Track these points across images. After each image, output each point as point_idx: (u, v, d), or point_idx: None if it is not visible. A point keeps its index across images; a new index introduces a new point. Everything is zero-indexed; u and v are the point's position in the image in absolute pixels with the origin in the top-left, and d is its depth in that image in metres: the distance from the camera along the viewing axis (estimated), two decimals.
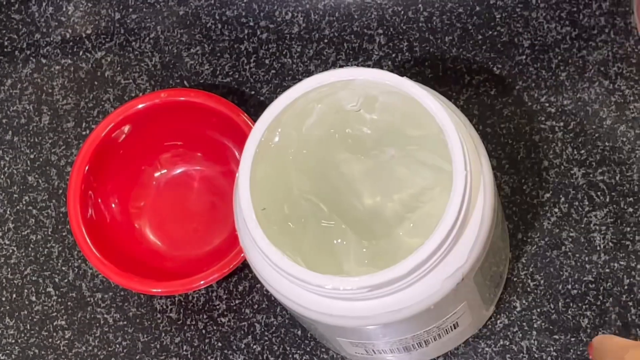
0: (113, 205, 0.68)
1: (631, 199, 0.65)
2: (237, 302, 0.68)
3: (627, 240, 0.65)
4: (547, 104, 0.67)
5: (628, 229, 0.65)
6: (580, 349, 0.63)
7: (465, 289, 0.53)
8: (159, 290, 0.64)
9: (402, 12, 0.70)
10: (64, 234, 0.70)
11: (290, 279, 0.49)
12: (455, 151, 0.49)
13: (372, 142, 0.55)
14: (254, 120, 0.59)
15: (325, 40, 0.70)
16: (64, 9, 0.73)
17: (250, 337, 0.67)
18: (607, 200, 0.66)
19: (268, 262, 0.49)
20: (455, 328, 0.59)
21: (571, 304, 0.64)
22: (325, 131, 0.54)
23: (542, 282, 0.65)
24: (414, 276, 0.48)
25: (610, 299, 0.64)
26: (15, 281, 0.70)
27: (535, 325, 0.64)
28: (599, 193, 0.66)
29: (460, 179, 0.48)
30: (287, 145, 0.54)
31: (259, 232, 0.49)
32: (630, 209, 0.65)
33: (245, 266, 0.66)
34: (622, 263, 0.65)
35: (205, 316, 0.68)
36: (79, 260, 0.69)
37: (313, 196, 0.54)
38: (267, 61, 0.71)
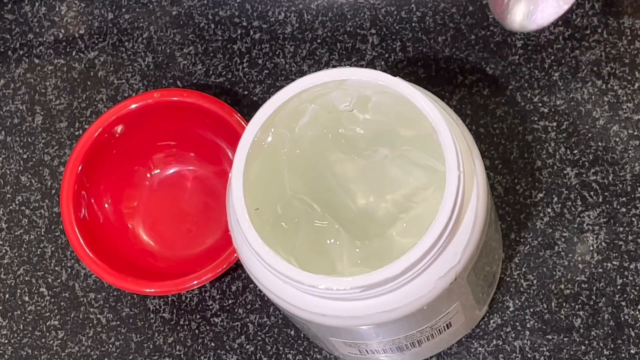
0: (106, 206, 0.67)
1: (624, 199, 0.65)
2: (230, 302, 0.67)
3: (620, 240, 0.65)
4: (540, 104, 0.67)
5: (621, 229, 0.65)
6: (574, 349, 0.63)
7: (459, 289, 0.53)
8: (152, 290, 0.64)
9: (395, 12, 0.70)
10: (57, 234, 0.70)
11: (283, 279, 0.49)
12: (448, 151, 0.49)
13: (365, 142, 0.55)
14: (247, 120, 0.59)
15: (319, 40, 0.70)
16: (57, 9, 0.73)
17: (243, 337, 0.67)
18: (600, 200, 0.65)
19: (261, 262, 0.49)
20: (448, 328, 0.59)
21: (564, 304, 0.64)
22: (318, 131, 0.54)
23: (535, 282, 0.65)
24: (407, 276, 0.48)
25: (603, 298, 0.64)
26: (8, 281, 0.69)
27: (528, 325, 0.64)
28: (592, 193, 0.66)
29: (453, 179, 0.48)
30: (280, 146, 0.54)
31: (252, 232, 0.49)
32: (623, 209, 0.65)
33: (238, 266, 0.67)
34: (615, 263, 0.65)
35: (198, 316, 0.67)
36: (72, 261, 0.69)
37: (306, 196, 0.54)
38: (260, 61, 0.70)
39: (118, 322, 0.68)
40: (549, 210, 0.66)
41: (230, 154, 0.67)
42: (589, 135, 0.67)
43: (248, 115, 0.65)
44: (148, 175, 0.69)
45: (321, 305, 0.50)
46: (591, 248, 0.65)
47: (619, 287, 0.64)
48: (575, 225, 0.65)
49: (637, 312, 0.64)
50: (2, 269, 0.70)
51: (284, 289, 0.51)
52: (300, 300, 0.51)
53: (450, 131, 0.49)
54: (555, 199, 0.66)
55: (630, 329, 0.63)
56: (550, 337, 0.64)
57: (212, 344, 0.67)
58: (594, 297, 0.64)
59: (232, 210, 0.51)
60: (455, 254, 0.50)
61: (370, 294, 0.49)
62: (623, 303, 0.64)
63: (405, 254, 0.48)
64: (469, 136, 0.53)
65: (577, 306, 0.64)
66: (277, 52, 0.70)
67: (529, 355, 0.64)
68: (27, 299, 0.69)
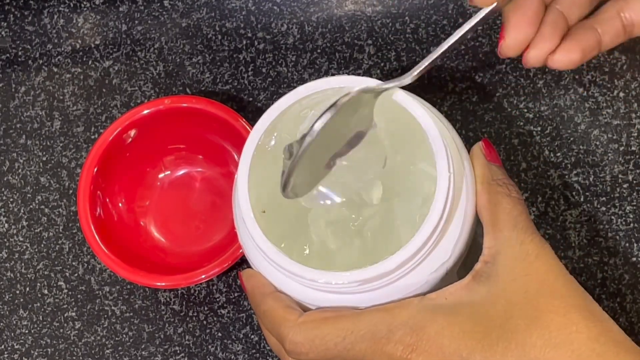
0: (120, 205, 0.67)
1: (604, 198, 0.65)
2: (236, 294, 0.67)
3: (600, 237, 0.65)
4: (525, 110, 0.67)
5: (601, 226, 0.65)
6: None
7: (450, 283, 0.53)
8: (163, 283, 0.63)
9: (390, 24, 0.70)
10: (74, 231, 0.70)
11: (286, 274, 0.49)
12: (439, 155, 0.49)
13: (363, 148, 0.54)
14: (252, 125, 0.59)
15: (319, 50, 0.70)
16: (74, 21, 0.73)
17: (248, 327, 0.67)
18: (582, 199, 0.65)
19: (264, 257, 0.49)
20: None
21: None
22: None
23: None
24: (401, 271, 0.48)
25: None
26: (28, 275, 0.69)
27: None
28: (573, 193, 0.66)
29: (444, 180, 0.48)
30: (283, 148, 0.53)
31: (257, 230, 0.49)
32: (603, 208, 0.65)
33: (243, 261, 0.66)
34: (595, 258, 0.64)
35: (206, 308, 0.67)
36: (88, 256, 0.69)
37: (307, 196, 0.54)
38: (264, 70, 0.70)
39: (131, 314, 0.68)
40: (534, 209, 0.66)
41: (236, 156, 0.67)
42: (571, 139, 0.66)
43: (253, 120, 0.64)
44: (159, 176, 0.69)
45: (321, 298, 0.50)
46: (573, 244, 0.65)
47: (599, 280, 0.64)
48: (559, 223, 0.65)
49: (617, 305, 0.64)
50: (22, 264, 0.70)
51: (286, 283, 0.51)
52: (301, 294, 0.51)
53: (441, 136, 0.49)
54: (540, 198, 0.66)
55: None
56: None
57: (219, 334, 0.67)
58: None
59: (237, 209, 0.51)
60: (446, 250, 0.50)
61: (367, 288, 0.49)
62: (603, 296, 0.64)
63: (399, 251, 0.47)
64: (459, 140, 0.53)
65: None
66: (280, 62, 0.70)
67: None
68: (46, 292, 0.69)
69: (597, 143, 0.66)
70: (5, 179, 0.71)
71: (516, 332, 0.44)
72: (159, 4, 0.72)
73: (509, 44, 0.49)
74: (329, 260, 0.55)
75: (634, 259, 0.64)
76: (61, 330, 0.68)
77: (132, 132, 0.66)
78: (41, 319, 0.69)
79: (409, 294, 0.50)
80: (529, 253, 0.47)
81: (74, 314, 0.68)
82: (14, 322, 0.69)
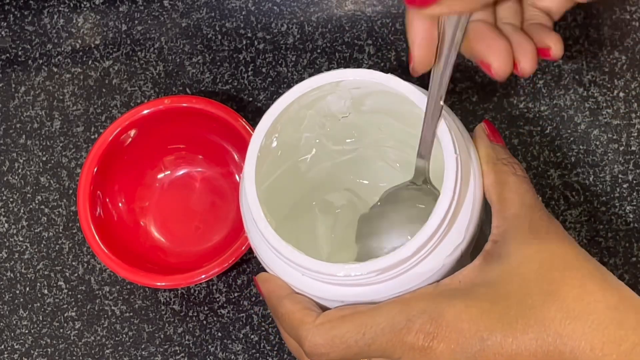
0: (120, 205, 0.67)
1: (603, 198, 0.65)
2: (236, 294, 0.67)
3: (600, 237, 0.65)
4: (525, 110, 0.67)
5: (601, 226, 0.65)
6: None
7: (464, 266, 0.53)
8: (163, 283, 0.63)
9: (390, 24, 0.70)
10: (74, 231, 0.70)
11: (302, 271, 0.48)
12: (444, 137, 0.48)
13: (361, 141, 0.55)
14: (252, 125, 0.59)
15: (319, 50, 0.70)
16: (74, 21, 0.73)
17: (248, 327, 0.67)
18: (582, 199, 0.65)
19: (279, 257, 0.48)
20: None
21: None
22: (317, 134, 0.54)
23: None
24: (418, 256, 0.47)
25: None
26: (28, 275, 0.69)
27: None
28: (573, 193, 0.66)
29: (451, 161, 0.48)
30: (284, 148, 0.53)
31: (269, 230, 0.48)
32: (603, 208, 0.65)
33: (243, 261, 0.66)
34: (595, 258, 0.64)
35: (206, 308, 0.67)
36: (88, 256, 0.69)
37: (310, 192, 0.54)
38: (264, 70, 0.70)
39: (131, 314, 0.68)
40: None
41: (236, 156, 0.67)
42: (571, 139, 0.66)
43: (253, 121, 0.64)
44: (159, 176, 0.69)
45: (339, 292, 0.49)
46: None
47: None
48: None
49: None
50: (22, 264, 0.69)
51: (303, 282, 0.50)
52: (319, 291, 0.50)
53: (444, 119, 0.49)
54: (540, 198, 0.65)
55: None
56: None
57: (219, 334, 0.67)
58: None
59: (247, 212, 0.50)
60: (460, 232, 0.49)
61: (385, 277, 0.48)
62: None
63: (416, 235, 0.47)
64: (460, 124, 0.52)
65: None
66: (279, 62, 0.70)
67: None
68: (46, 292, 0.69)
69: (597, 143, 0.66)
70: (5, 179, 0.71)
71: (534, 308, 0.44)
72: (159, 4, 0.72)
73: (499, 72, 0.49)
74: (339, 257, 0.54)
75: (634, 259, 0.64)
76: (61, 330, 0.68)
77: (132, 132, 0.66)
78: (41, 319, 0.69)
79: (426, 280, 0.49)
80: (539, 229, 0.47)
81: (74, 314, 0.68)
82: (14, 322, 0.69)
